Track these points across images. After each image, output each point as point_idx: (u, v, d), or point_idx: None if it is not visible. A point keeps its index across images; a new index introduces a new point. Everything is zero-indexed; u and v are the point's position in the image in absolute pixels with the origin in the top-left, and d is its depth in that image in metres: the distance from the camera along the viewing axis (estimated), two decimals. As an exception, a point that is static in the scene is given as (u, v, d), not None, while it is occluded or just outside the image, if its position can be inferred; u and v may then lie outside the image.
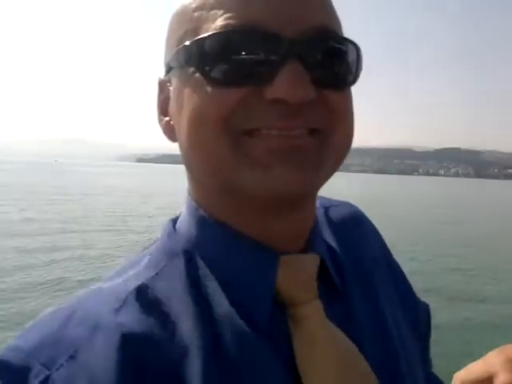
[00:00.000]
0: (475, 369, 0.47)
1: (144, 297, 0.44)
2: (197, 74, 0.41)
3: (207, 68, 0.41)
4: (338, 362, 0.44)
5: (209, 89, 0.40)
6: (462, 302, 7.15)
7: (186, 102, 0.43)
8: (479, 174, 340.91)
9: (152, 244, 0.52)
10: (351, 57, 0.44)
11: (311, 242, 0.49)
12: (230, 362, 0.41)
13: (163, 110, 0.49)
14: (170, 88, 0.47)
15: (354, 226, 0.58)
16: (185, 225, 0.50)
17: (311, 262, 0.47)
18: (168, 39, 0.48)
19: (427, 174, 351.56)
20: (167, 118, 0.48)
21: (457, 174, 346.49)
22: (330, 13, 0.44)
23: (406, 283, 0.62)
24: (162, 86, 0.49)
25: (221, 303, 0.44)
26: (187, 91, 0.43)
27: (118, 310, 0.42)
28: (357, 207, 0.62)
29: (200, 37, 0.41)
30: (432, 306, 0.62)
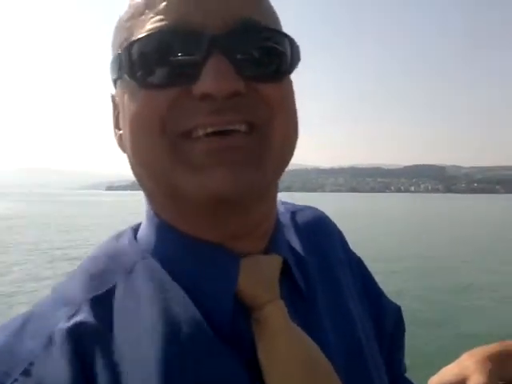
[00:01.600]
0: (449, 372, 0.46)
1: (100, 303, 0.43)
2: (130, 81, 0.42)
3: (138, 73, 0.41)
4: (301, 363, 0.44)
5: (142, 93, 0.41)
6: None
7: (126, 110, 0.43)
8: (448, 189, 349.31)
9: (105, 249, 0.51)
10: (282, 48, 0.43)
11: (273, 244, 0.49)
12: (190, 367, 0.40)
13: (117, 123, 0.49)
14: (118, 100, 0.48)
15: (319, 229, 0.59)
16: (144, 232, 0.50)
17: (273, 262, 0.47)
18: (111, 53, 0.48)
19: (399, 190, 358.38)
20: (120, 131, 0.48)
21: (427, 190, 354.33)
22: (258, 6, 0.43)
23: (374, 284, 0.62)
24: (114, 100, 0.50)
25: (184, 307, 0.43)
26: (126, 99, 0.43)
27: (71, 317, 0.41)
28: (321, 211, 0.63)
29: (127, 43, 0.42)
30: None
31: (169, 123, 0.40)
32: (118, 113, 0.48)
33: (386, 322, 0.61)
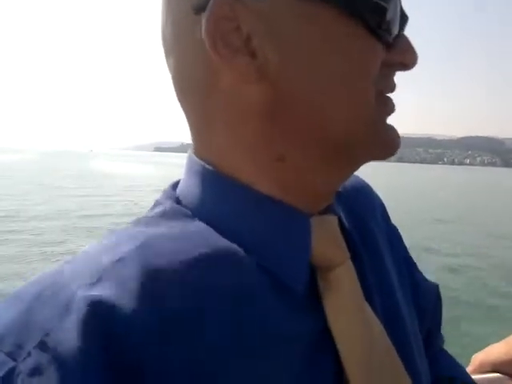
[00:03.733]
0: (496, 350, 0.45)
1: (129, 269, 0.35)
2: (354, 20, 0.37)
3: (367, 13, 0.37)
4: (368, 331, 0.43)
5: (363, 35, 0.37)
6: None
7: (336, 49, 0.37)
8: (507, 163, 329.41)
9: (148, 212, 0.45)
10: None
11: (331, 206, 0.47)
12: (254, 340, 0.35)
13: (227, 42, 0.37)
14: (260, 18, 0.36)
15: (362, 197, 0.59)
16: (191, 186, 0.44)
17: (334, 222, 0.46)
18: None
19: (452, 163, 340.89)
20: (245, 57, 0.37)
21: (483, 163, 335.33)
22: None
23: (410, 259, 0.62)
24: (227, 14, 0.37)
25: (246, 272, 0.38)
26: (335, 36, 0.37)
27: (93, 285, 0.34)
28: (363, 180, 0.63)
29: None
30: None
31: (377, 76, 0.39)
32: (230, 30, 0.36)
33: (424, 299, 0.61)
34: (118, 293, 0.33)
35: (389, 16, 0.38)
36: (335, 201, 0.49)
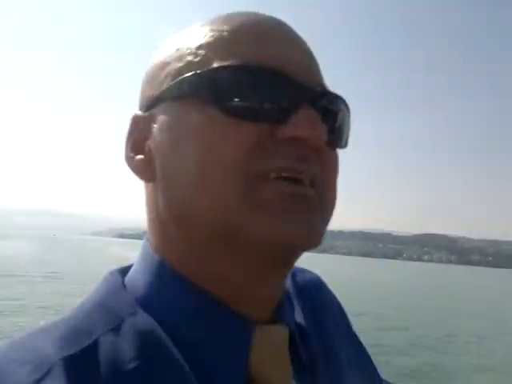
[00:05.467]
0: None
1: (75, 370, 0.34)
2: (209, 107, 0.38)
3: (225, 100, 0.38)
4: None
5: (225, 123, 0.38)
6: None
7: (192, 137, 0.39)
8: (463, 261, 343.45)
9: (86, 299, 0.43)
10: (347, 121, 0.45)
11: (280, 310, 0.45)
12: None
13: (136, 147, 0.45)
14: (153, 124, 0.43)
15: (317, 294, 0.55)
16: (138, 277, 0.44)
17: (283, 335, 0.43)
18: (152, 73, 0.45)
19: (411, 259, 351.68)
20: (140, 156, 0.44)
21: (441, 260, 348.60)
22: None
23: (368, 357, 0.59)
24: (138, 121, 0.45)
25: (181, 379, 0.37)
26: (192, 125, 0.39)
27: (37, 383, 0.33)
28: (318, 275, 0.59)
29: (218, 65, 0.39)
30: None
31: (247, 161, 0.37)
32: (139, 135, 0.45)
33: None
34: None
35: (253, 94, 0.38)
36: (287, 302, 0.47)
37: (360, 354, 0.56)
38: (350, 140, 0.44)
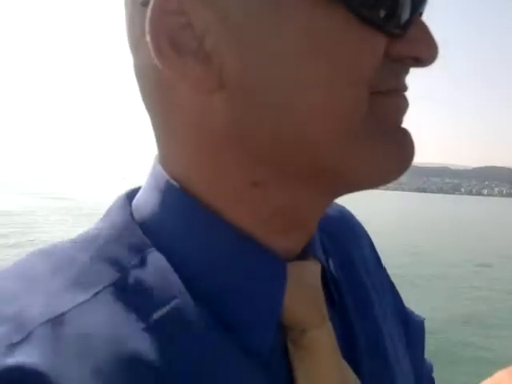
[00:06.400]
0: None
1: (58, 336, 0.27)
2: (335, 6, 0.28)
3: (357, 1, 0.28)
4: None
5: (359, 30, 0.28)
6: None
7: (314, 43, 0.28)
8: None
9: (89, 232, 0.35)
10: None
11: (312, 244, 0.39)
12: None
13: (175, 42, 0.29)
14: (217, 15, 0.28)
15: (347, 229, 0.51)
16: (151, 203, 0.35)
17: (316, 270, 0.37)
18: None
19: (470, 193, 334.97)
20: (191, 56, 0.29)
21: (501, 194, 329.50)
22: None
23: (396, 294, 0.55)
24: (174, 6, 0.29)
25: (203, 327, 0.31)
26: (311, 26, 0.28)
27: (13, 346, 0.27)
28: (348, 210, 0.54)
29: None
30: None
31: (374, 77, 0.30)
32: (178, 29, 0.29)
33: (411, 336, 0.53)
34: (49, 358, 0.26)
35: None
36: (317, 236, 0.41)
37: (388, 290, 0.52)
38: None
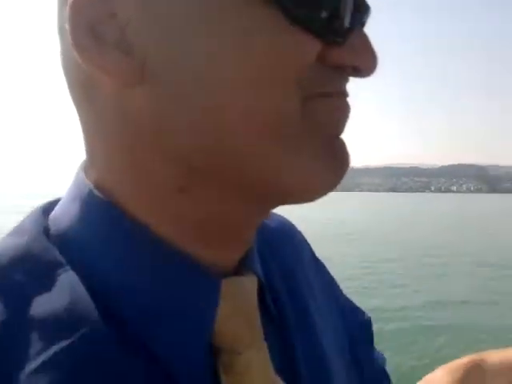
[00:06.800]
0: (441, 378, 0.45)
1: None
2: (266, 5, 0.26)
3: (288, 2, 0.27)
4: None
5: (289, 29, 0.27)
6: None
7: (244, 40, 0.26)
8: (493, 189, 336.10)
9: None
10: None
11: (249, 258, 0.36)
12: None
13: (95, 33, 0.27)
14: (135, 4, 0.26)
15: (287, 240, 0.47)
16: (73, 223, 0.31)
17: (252, 287, 0.34)
18: None
19: (440, 190, 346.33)
20: (113, 48, 0.27)
21: (469, 190, 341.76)
22: None
23: (341, 294, 0.52)
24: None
25: (115, 358, 0.27)
26: (242, 24, 0.26)
27: None
28: (287, 219, 0.51)
29: None
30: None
31: (306, 78, 0.28)
32: (98, 13, 0.26)
33: (360, 336, 0.51)
34: None
35: (327, 3, 0.27)
36: (255, 247, 0.38)
37: (333, 298, 0.49)
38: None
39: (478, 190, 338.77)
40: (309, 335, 0.41)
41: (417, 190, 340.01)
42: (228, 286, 0.31)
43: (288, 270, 0.43)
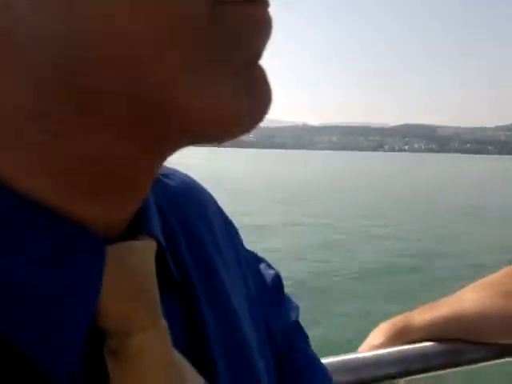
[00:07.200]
0: (419, 316, 0.51)
1: None
2: None
3: None
4: None
5: None
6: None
7: None
8: (442, 149, 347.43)
9: None
10: None
11: (143, 215, 0.29)
12: None
13: None
14: None
15: (192, 202, 0.41)
16: None
17: (148, 252, 0.27)
18: None
19: (393, 150, 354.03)
20: None
21: (421, 149, 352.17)
22: None
23: (247, 252, 0.47)
24: None
25: None
26: None
27: None
28: (193, 178, 0.45)
29: None
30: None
31: None
32: None
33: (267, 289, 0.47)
34: None
35: None
36: (154, 209, 0.32)
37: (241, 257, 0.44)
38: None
39: (430, 150, 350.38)
40: (221, 308, 0.36)
41: (372, 149, 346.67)
42: (115, 252, 0.25)
43: (194, 236, 0.37)
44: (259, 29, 0.23)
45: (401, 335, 0.51)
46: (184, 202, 0.39)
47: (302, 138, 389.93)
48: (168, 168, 0.42)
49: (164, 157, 0.26)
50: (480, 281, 0.52)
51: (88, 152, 0.22)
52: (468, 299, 0.50)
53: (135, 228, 0.27)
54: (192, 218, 0.39)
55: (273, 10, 0.23)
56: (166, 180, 0.39)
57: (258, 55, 0.24)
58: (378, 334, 0.53)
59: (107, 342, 0.24)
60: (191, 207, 0.40)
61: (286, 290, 0.49)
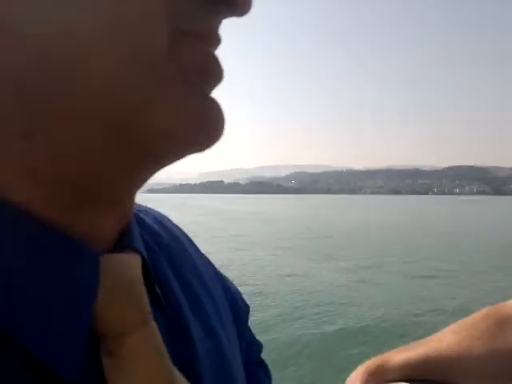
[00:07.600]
0: (401, 355, 0.50)
1: None
2: None
3: None
4: None
5: None
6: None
7: None
8: (497, 191, 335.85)
9: None
10: None
11: (128, 233, 0.31)
12: None
13: None
14: None
15: (165, 228, 0.44)
16: None
17: (135, 263, 0.30)
18: None
19: (442, 193, 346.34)
20: None
21: (473, 192, 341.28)
22: None
23: (218, 273, 0.51)
24: None
25: None
26: None
27: None
28: (161, 213, 0.49)
29: None
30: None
31: (173, 10, 0.24)
32: None
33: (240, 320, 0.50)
34: None
35: None
36: (135, 229, 0.33)
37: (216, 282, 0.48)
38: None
39: (482, 192, 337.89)
40: (202, 319, 0.39)
41: (420, 193, 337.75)
42: (108, 262, 0.26)
43: (173, 257, 0.40)
44: (213, 70, 0.26)
45: (376, 376, 0.51)
46: (162, 236, 0.42)
47: (345, 183, 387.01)
48: (141, 205, 0.44)
49: (140, 177, 0.27)
50: (461, 321, 0.51)
51: (69, 167, 0.23)
52: (446, 340, 0.49)
53: (121, 246, 0.29)
54: (171, 248, 0.41)
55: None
56: (142, 215, 0.42)
57: (208, 88, 0.26)
58: (353, 378, 0.53)
59: (103, 344, 0.26)
60: (167, 237, 0.42)
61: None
